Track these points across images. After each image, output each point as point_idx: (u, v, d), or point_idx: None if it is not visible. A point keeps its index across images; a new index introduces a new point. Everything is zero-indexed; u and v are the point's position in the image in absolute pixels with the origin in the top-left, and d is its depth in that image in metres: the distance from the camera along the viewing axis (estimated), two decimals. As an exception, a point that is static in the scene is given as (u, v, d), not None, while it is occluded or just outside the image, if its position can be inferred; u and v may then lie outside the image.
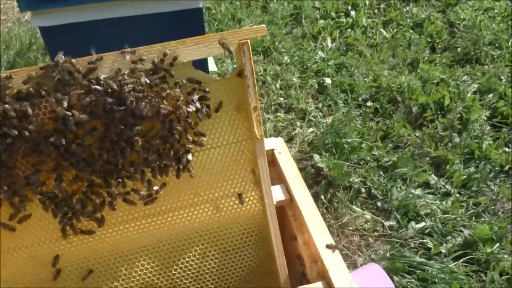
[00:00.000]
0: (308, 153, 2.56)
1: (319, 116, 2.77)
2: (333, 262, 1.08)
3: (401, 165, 2.45)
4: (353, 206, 2.33)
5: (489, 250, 2.04)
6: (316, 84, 2.97)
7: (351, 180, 2.42)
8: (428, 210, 2.26)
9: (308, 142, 2.63)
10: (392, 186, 2.38)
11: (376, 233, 2.24)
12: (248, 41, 1.03)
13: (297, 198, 1.23)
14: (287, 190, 1.27)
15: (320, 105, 2.85)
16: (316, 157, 2.51)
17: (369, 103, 2.81)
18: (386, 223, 2.25)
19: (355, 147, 2.56)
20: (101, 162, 0.97)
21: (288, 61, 3.09)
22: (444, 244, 2.13)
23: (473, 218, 2.22)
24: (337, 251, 1.11)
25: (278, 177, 1.32)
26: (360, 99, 2.84)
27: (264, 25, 1.04)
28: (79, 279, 1.04)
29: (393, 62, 3.10)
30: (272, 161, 1.35)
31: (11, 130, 0.90)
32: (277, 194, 1.25)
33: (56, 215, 0.99)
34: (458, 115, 2.66)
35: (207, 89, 1.04)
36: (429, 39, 3.29)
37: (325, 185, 2.40)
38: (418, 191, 2.35)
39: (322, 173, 2.45)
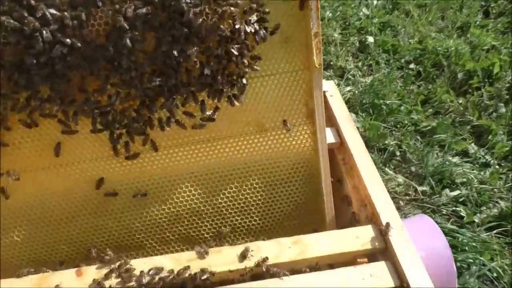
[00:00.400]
0: (344, 111, 2.49)
1: (358, 75, 2.67)
2: (385, 207, 1.04)
3: (440, 131, 2.36)
4: (386, 169, 2.27)
5: (525, 224, 1.98)
6: (358, 42, 2.85)
7: (386, 142, 2.35)
8: (464, 179, 2.19)
9: (345, 100, 2.55)
10: (429, 152, 2.31)
11: (407, 197, 2.19)
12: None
13: (349, 142, 1.18)
14: (338, 133, 1.22)
15: (360, 64, 2.74)
16: (353, 116, 2.44)
17: (412, 66, 2.69)
18: (419, 188, 2.20)
19: (394, 109, 2.47)
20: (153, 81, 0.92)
21: (330, 16, 2.96)
22: (478, 214, 2.07)
23: (512, 190, 2.15)
24: (388, 197, 1.07)
25: (328, 120, 1.26)
26: (402, 60, 2.72)
27: None
28: (128, 199, 1.03)
29: (441, 24, 2.94)
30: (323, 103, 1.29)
31: (65, 39, 0.85)
32: (327, 136, 1.20)
33: (108, 130, 0.96)
34: (507, 85, 2.53)
35: (267, 10, 0.96)
36: (483, 3, 3.09)
37: (359, 144, 2.34)
38: (456, 159, 2.27)
39: (357, 132, 2.39)
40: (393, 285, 0.93)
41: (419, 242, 1.06)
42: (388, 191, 2.22)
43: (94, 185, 1.01)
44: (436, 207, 2.11)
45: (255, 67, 0.98)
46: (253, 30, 0.94)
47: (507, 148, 2.27)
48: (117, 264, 0.95)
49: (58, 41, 0.83)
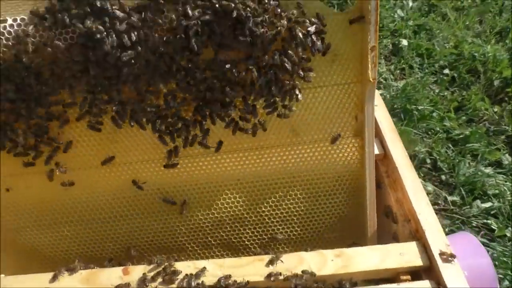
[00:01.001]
0: (375, 115, 2.47)
1: (390, 79, 2.63)
2: (430, 224, 1.03)
3: (473, 140, 2.31)
4: (416, 176, 2.24)
5: (559, 240, 1.94)
6: (391, 45, 2.80)
7: (416, 149, 2.32)
8: (497, 191, 2.15)
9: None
10: (460, 161, 2.27)
11: (436, 207, 2.16)
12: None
13: (393, 154, 1.17)
14: (382, 144, 1.21)
15: (392, 67, 2.70)
16: (383, 120, 2.41)
17: (446, 71, 2.64)
18: (449, 198, 2.16)
19: (425, 116, 2.43)
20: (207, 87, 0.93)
21: (363, 16, 2.91)
22: (510, 228, 2.03)
23: (546, 205, 2.10)
24: (433, 213, 1.06)
25: (372, 130, 1.25)
26: (437, 65, 2.66)
27: None
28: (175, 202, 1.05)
29: (479, 29, 2.87)
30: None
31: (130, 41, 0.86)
32: (370, 147, 1.19)
33: (161, 133, 0.97)
34: (545, 96, 2.46)
35: (325, 23, 0.96)
36: (524, 8, 3.00)
37: (390, 150, 2.31)
38: (489, 170, 2.22)
39: (387, 137, 2.36)
40: (438, 306, 0.93)
41: (463, 260, 1.05)
42: (417, 198, 2.22)
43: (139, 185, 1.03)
44: (466, 218, 2.07)
45: (308, 77, 0.98)
46: (310, 44, 0.93)
47: (543, 161, 2.21)
48: (163, 266, 0.97)
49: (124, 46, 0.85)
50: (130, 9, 0.87)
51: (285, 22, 0.90)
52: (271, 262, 0.96)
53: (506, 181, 2.18)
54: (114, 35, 0.83)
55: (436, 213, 2.15)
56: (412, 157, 2.30)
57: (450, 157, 2.30)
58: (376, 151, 1.21)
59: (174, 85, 0.91)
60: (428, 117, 2.43)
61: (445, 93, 2.55)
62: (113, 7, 0.85)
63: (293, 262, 0.98)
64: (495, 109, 2.46)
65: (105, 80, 0.88)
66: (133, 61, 0.86)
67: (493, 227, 2.02)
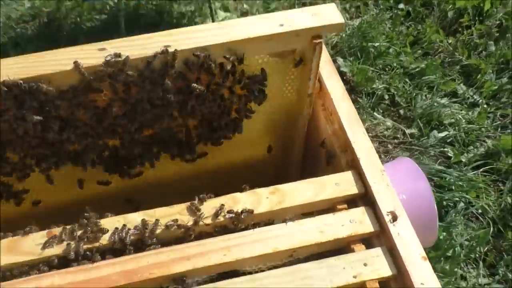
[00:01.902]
0: (331, 57, 2.39)
1: (345, 18, 2.54)
2: (365, 151, 1.00)
3: (429, 72, 2.28)
4: (375, 113, 2.22)
5: (511, 161, 1.96)
6: (345, -17, 2.68)
7: (374, 86, 2.28)
8: (453, 120, 2.14)
9: (332, 45, 2.44)
10: (417, 94, 2.25)
11: (396, 140, 2.16)
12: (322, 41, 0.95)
13: (328, 87, 1.12)
14: (318, 78, 1.15)
15: (347, 5, 2.59)
16: (340, 61, 2.34)
17: (401, 5, 2.55)
18: (408, 131, 2.16)
19: (382, 52, 2.37)
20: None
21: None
22: (465, 154, 2.05)
23: (499, 129, 2.11)
24: (369, 141, 1.03)
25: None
26: (391, 1, 2.57)
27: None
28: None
29: (432, -41, 2.76)
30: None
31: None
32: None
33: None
34: (498, 22, 2.41)
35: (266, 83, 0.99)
36: None
37: (347, 90, 2.26)
38: (444, 100, 2.21)
39: (345, 77, 2.30)
40: (373, 230, 0.91)
41: (401, 185, 1.03)
42: (377, 135, 2.20)
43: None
44: (424, 148, 2.08)
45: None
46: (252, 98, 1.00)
47: (496, 87, 2.20)
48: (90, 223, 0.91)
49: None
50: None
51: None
52: (200, 205, 0.92)
53: (461, 110, 2.18)
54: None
55: (395, 147, 2.17)
56: (371, 94, 2.27)
57: (407, 91, 2.27)
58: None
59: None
60: (384, 53, 2.37)
61: (401, 28, 2.48)
62: None
63: (228, 204, 0.95)
64: (450, 41, 2.41)
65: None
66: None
67: (449, 154, 2.04)
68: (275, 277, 0.86)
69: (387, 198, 0.93)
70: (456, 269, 1.67)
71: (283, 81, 1.06)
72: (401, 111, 2.24)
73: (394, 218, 0.89)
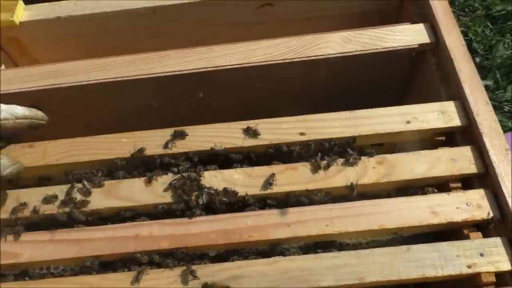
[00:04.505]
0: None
1: None
2: (488, 126, 0.84)
3: (516, 17, 1.96)
4: (447, 59, 1.97)
5: None
6: None
7: (451, 29, 1.99)
8: (536, 73, 1.88)
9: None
10: (499, 41, 1.96)
11: (467, 91, 1.94)
12: None
13: (448, 43, 0.92)
14: (433, 30, 0.95)
15: None
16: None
17: None
18: (483, 82, 1.91)
19: (464, -11, 2.04)
20: None
21: None
22: (544, 112, 1.83)
23: None
24: (493, 114, 0.86)
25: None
26: None
27: None
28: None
29: None
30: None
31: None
32: (416, 34, 0.94)
33: None
34: None
35: None
36: None
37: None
38: (530, 50, 1.92)
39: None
40: (492, 216, 0.79)
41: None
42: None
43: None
44: (499, 103, 1.86)
45: None
46: None
47: None
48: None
49: None
50: None
51: None
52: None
53: (548, 63, 1.90)
54: None
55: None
56: (445, 38, 1.99)
57: (487, 37, 1.98)
58: (427, 39, 0.95)
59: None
60: (467, -9, 2.04)
61: (490, -39, 2.09)
62: None
63: (332, 170, 0.84)
64: (546, -21, 2.03)
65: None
66: None
67: (526, 113, 1.82)
68: (380, 255, 0.78)
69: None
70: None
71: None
72: (477, 59, 1.98)
73: (520, 206, 0.76)
